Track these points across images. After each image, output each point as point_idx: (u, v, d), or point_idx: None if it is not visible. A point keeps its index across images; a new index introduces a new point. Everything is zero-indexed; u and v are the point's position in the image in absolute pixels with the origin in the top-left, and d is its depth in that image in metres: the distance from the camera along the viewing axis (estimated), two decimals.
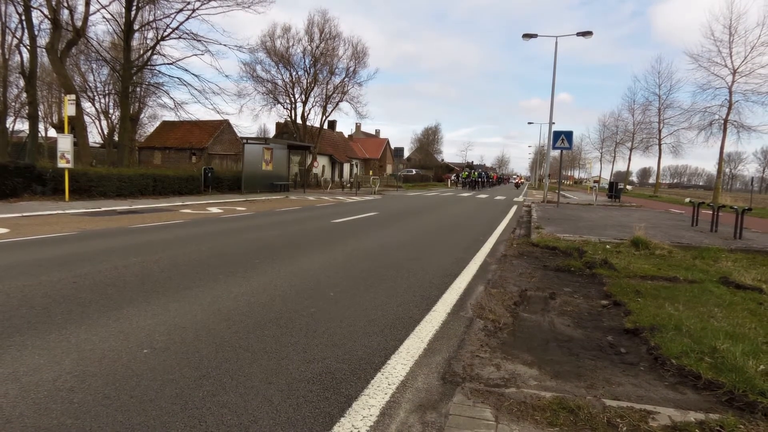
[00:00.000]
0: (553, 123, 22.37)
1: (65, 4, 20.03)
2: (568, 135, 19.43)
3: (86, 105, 30.85)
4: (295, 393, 2.52)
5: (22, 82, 26.31)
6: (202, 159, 35.33)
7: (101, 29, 65.21)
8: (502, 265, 6.48)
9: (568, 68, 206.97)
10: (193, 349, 3.05)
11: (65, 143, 13.72)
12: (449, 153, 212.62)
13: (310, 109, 32.94)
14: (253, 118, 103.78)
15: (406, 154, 76.32)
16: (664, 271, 5.95)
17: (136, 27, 22.35)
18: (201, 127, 35.64)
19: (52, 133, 39.48)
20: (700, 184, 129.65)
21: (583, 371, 2.96)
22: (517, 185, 45.41)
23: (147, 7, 22.63)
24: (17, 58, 27.24)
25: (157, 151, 37.99)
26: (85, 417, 2.20)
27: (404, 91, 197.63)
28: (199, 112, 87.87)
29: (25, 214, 10.12)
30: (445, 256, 6.97)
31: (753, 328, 3.67)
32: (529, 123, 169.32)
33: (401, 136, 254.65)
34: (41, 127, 35.32)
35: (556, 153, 31.15)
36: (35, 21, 21.47)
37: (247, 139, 23.34)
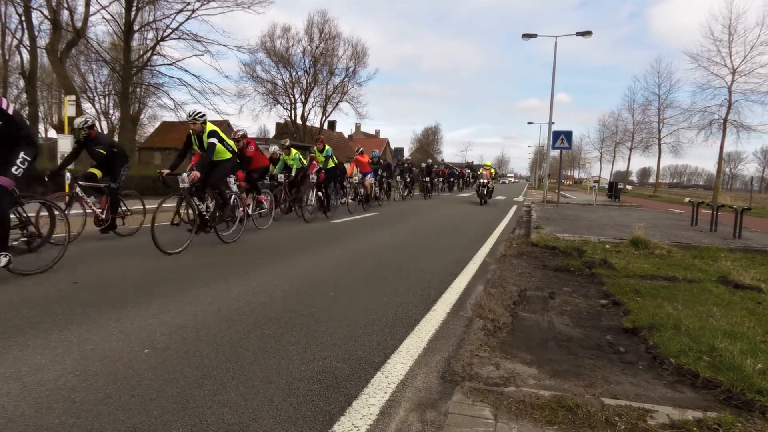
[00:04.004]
0: (553, 123, 22.41)
1: (65, 5, 20.06)
2: (568, 135, 19.45)
3: (86, 106, 30.92)
4: (295, 392, 2.53)
5: (22, 83, 26.41)
6: None
7: (101, 30, 64.94)
8: (501, 264, 6.49)
9: (566, 69, 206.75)
10: (193, 348, 3.07)
11: (65, 144, 13.72)
12: (449, 153, 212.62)
13: (310, 110, 33.12)
14: (253, 119, 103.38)
15: (406, 154, 76.26)
16: (663, 270, 5.96)
17: (136, 27, 22.39)
18: None
19: (52, 133, 39.53)
20: (700, 183, 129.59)
21: (582, 370, 2.97)
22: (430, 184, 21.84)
23: (147, 7, 22.68)
24: (17, 58, 27.38)
25: (157, 152, 38.01)
26: (87, 416, 2.22)
27: (404, 91, 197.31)
28: None
29: None
30: (445, 255, 6.98)
31: (751, 327, 3.68)
32: (529, 123, 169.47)
33: (401, 136, 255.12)
34: (41, 127, 35.38)
35: (555, 153, 31.09)
36: (35, 22, 21.53)
37: None
